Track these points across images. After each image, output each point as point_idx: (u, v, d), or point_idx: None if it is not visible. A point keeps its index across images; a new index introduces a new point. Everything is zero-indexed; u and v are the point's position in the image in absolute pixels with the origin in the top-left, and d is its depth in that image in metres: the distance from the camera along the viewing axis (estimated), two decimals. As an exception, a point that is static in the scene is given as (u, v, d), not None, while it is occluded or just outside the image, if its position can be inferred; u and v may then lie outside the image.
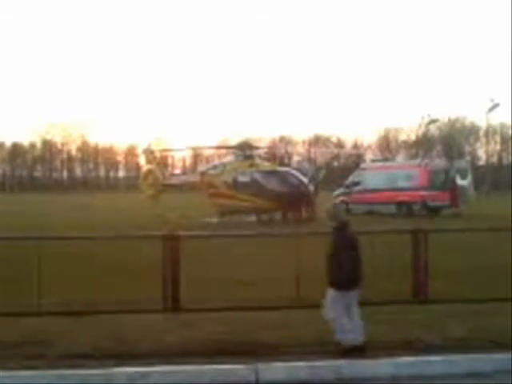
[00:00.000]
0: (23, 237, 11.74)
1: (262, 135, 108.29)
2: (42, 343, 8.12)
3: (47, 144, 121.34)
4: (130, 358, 7.68)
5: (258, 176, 34.05)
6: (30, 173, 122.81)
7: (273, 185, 33.47)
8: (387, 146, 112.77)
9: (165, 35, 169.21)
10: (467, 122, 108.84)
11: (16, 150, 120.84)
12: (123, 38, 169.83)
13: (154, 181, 38.82)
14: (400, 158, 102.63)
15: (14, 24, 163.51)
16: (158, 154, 43.60)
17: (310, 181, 34.59)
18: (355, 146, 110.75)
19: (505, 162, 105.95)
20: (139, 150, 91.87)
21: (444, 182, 37.07)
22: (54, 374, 7.27)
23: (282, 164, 46.85)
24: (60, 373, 7.29)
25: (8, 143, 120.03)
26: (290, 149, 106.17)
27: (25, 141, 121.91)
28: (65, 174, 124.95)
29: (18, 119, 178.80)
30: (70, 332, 8.57)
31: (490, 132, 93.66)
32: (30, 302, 9.79)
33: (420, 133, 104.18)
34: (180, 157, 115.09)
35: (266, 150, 54.71)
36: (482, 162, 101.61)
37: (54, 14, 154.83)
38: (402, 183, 37.70)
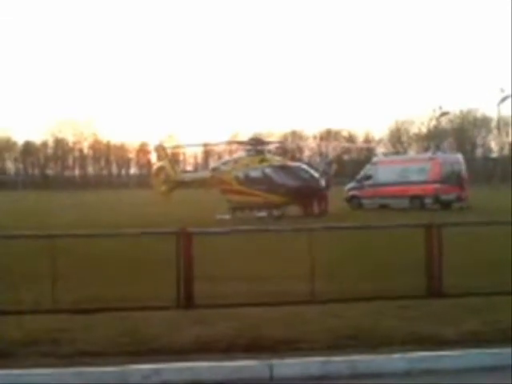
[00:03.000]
0: (37, 235, 11.78)
1: (273, 130, 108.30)
2: (56, 341, 8.15)
3: (59, 142, 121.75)
4: (144, 355, 7.71)
5: (269, 171, 34.04)
6: (43, 171, 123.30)
7: (284, 180, 33.44)
8: (398, 140, 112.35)
9: (174, 32, 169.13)
10: (479, 114, 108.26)
11: (28, 149, 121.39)
12: (133, 36, 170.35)
13: (166, 177, 38.87)
14: (412, 151, 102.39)
15: (22, 23, 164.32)
16: (169, 151, 43.61)
17: (322, 175, 34.55)
18: (366, 140, 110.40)
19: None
20: (151, 147, 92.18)
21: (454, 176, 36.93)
22: (69, 371, 7.30)
23: (293, 159, 46.82)
24: (75, 370, 7.32)
25: (20, 142, 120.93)
26: (301, 143, 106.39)
27: (37, 139, 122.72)
28: (77, 171, 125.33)
29: (29, 118, 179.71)
30: (84, 329, 8.60)
31: (501, 123, 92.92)
32: (45, 299, 9.85)
33: (431, 126, 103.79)
34: (191, 153, 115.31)
35: (276, 144, 54.70)
36: (495, 154, 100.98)
37: (64, 12, 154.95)
38: (414, 177, 37.54)
